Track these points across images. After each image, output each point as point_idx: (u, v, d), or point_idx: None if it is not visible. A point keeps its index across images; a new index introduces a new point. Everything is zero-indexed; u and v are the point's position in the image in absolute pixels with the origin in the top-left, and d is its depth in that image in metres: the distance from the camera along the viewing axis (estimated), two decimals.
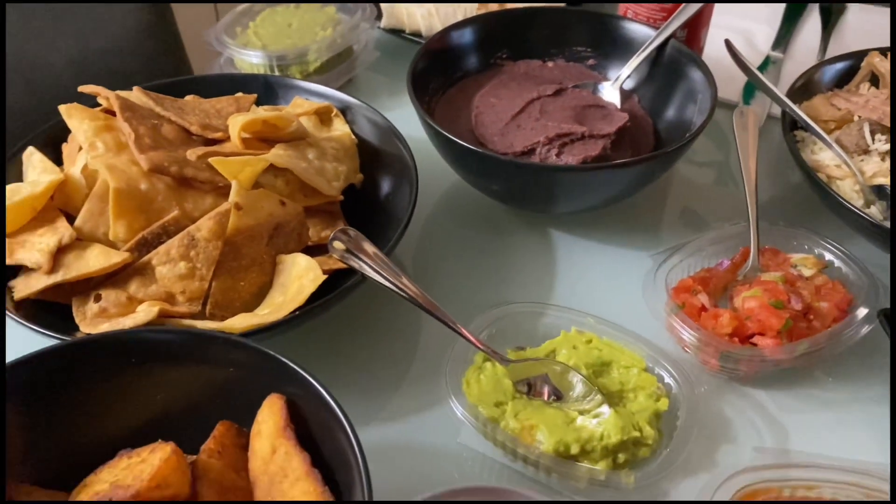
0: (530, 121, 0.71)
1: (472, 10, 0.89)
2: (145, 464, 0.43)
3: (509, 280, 0.66)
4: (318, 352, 0.60)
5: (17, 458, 0.46)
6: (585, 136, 0.69)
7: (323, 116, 0.71)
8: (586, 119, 0.71)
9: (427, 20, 0.90)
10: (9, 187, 0.60)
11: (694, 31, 0.82)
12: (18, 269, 0.58)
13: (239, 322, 0.54)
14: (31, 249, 0.56)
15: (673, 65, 0.75)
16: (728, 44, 0.77)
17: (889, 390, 0.58)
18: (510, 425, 0.52)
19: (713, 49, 0.84)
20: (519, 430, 0.52)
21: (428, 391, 0.57)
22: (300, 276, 0.56)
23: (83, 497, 0.44)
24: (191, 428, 0.47)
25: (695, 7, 0.77)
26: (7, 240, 0.58)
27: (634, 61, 0.76)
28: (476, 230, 0.71)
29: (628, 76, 0.76)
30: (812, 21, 0.97)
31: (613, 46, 0.79)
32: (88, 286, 0.57)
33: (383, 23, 0.92)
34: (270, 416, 0.45)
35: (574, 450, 0.51)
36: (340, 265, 0.57)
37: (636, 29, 0.78)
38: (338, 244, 0.56)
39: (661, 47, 0.76)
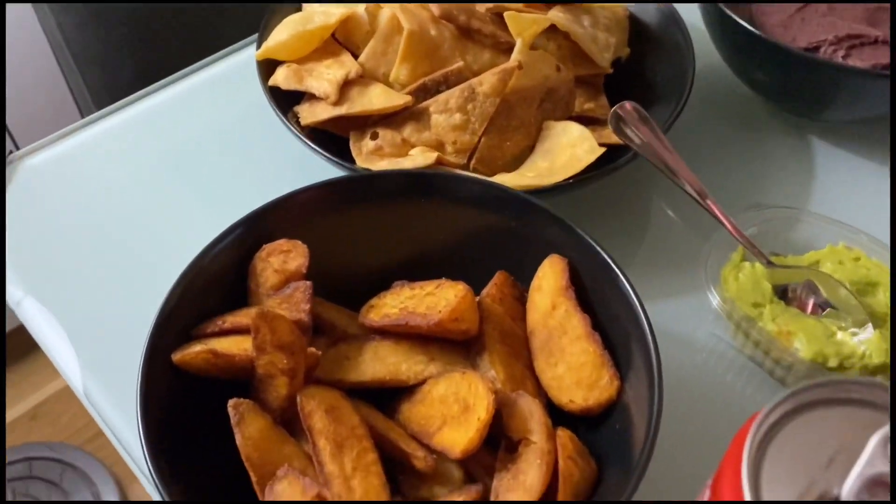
0: (817, 16, 0.66)
1: None
2: (437, 297, 0.46)
3: (769, 183, 0.64)
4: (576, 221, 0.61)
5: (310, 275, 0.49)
6: (878, 41, 0.63)
7: None
8: (879, 22, 0.65)
9: None
10: (300, 14, 0.62)
11: None
12: (300, 97, 0.61)
13: (511, 181, 0.55)
14: (319, 79, 0.59)
15: None
16: None
17: None
18: (767, 327, 0.52)
19: None
20: (776, 333, 0.52)
21: (682, 279, 0.57)
22: (572, 145, 0.56)
23: (373, 316, 0.47)
24: (466, 272, 0.48)
25: None
26: (294, 66, 0.60)
27: None
28: (738, 128, 0.68)
29: None
30: None
31: None
32: (365, 123, 0.59)
33: None
34: (552, 274, 0.47)
35: (832, 363, 0.50)
36: (613, 139, 0.57)
37: None
38: (617, 117, 0.56)
39: None
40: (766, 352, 0.51)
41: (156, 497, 0.40)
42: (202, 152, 0.66)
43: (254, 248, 0.47)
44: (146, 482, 0.50)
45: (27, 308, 0.57)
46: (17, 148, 0.65)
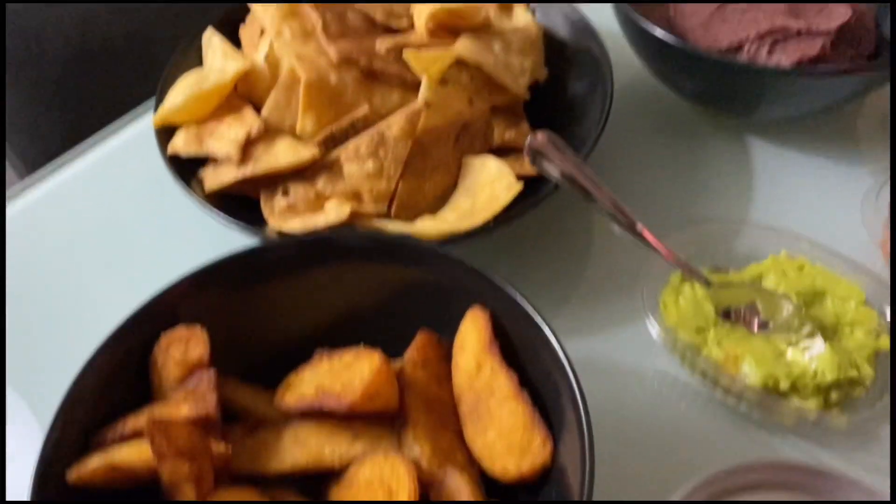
0: (737, 12, 0.63)
1: None
2: (352, 372, 0.42)
3: (706, 194, 0.61)
4: (500, 260, 0.58)
5: (218, 354, 0.46)
6: (801, 33, 0.61)
7: (503, 4, 0.66)
8: (802, 12, 0.63)
9: None
10: (195, 74, 0.59)
11: None
12: (203, 161, 0.58)
13: (430, 227, 0.52)
14: (220, 140, 0.56)
15: None
16: None
17: None
18: (713, 353, 0.49)
19: None
20: (722, 359, 0.49)
21: (621, 309, 0.54)
22: (491, 182, 0.54)
23: (289, 398, 0.44)
24: (388, 332, 0.46)
25: None
26: (194, 128, 0.57)
27: None
28: (669, 136, 0.66)
29: None
30: None
31: None
32: (277, 180, 0.56)
33: None
34: (474, 331, 0.44)
35: (783, 385, 0.47)
36: (529, 171, 0.54)
37: None
38: (533, 148, 0.53)
39: None
40: (714, 380, 0.49)
41: None
42: (116, 228, 0.63)
43: (154, 338, 0.44)
44: None
45: None
46: None
